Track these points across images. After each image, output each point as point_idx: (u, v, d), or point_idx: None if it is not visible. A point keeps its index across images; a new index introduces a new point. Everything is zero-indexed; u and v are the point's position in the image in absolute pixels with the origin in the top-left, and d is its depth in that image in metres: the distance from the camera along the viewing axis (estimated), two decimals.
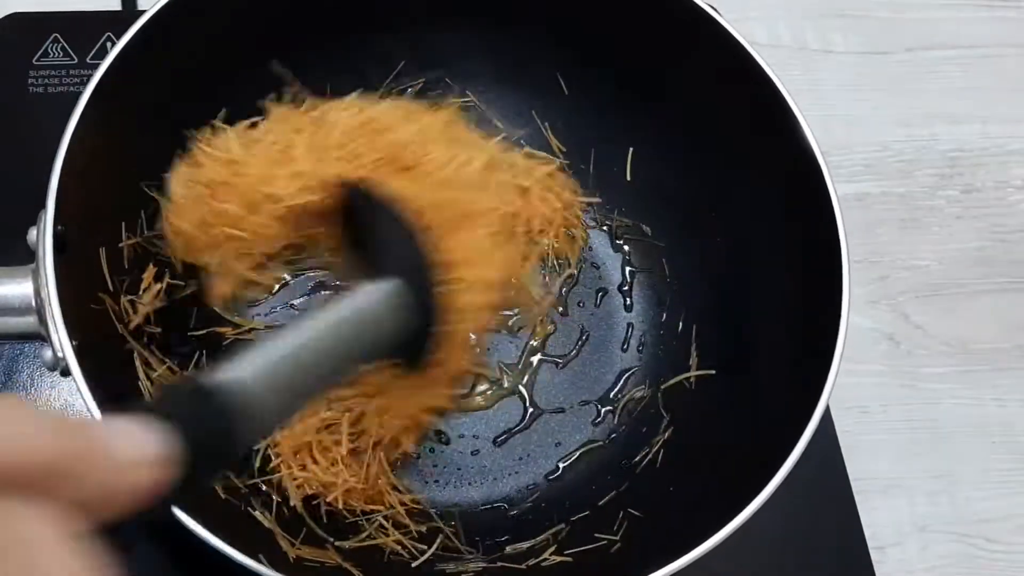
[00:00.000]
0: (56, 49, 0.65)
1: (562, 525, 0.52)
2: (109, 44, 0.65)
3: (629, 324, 0.60)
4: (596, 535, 0.51)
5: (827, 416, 0.59)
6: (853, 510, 0.58)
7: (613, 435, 0.57)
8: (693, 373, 0.57)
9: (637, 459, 0.55)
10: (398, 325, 0.40)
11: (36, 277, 0.44)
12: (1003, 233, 0.70)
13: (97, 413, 0.40)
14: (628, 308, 0.61)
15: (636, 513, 0.52)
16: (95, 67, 0.63)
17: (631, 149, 0.62)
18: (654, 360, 0.59)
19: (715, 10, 0.55)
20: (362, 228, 0.45)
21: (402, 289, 0.40)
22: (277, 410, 0.33)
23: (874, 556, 0.57)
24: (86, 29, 0.66)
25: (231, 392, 0.30)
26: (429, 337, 0.43)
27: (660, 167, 0.61)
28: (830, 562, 0.57)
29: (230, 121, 0.57)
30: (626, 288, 0.62)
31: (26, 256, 0.46)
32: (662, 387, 0.58)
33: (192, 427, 0.27)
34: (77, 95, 0.62)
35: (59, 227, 0.44)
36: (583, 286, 0.61)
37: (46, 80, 0.64)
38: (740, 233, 0.57)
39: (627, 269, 0.62)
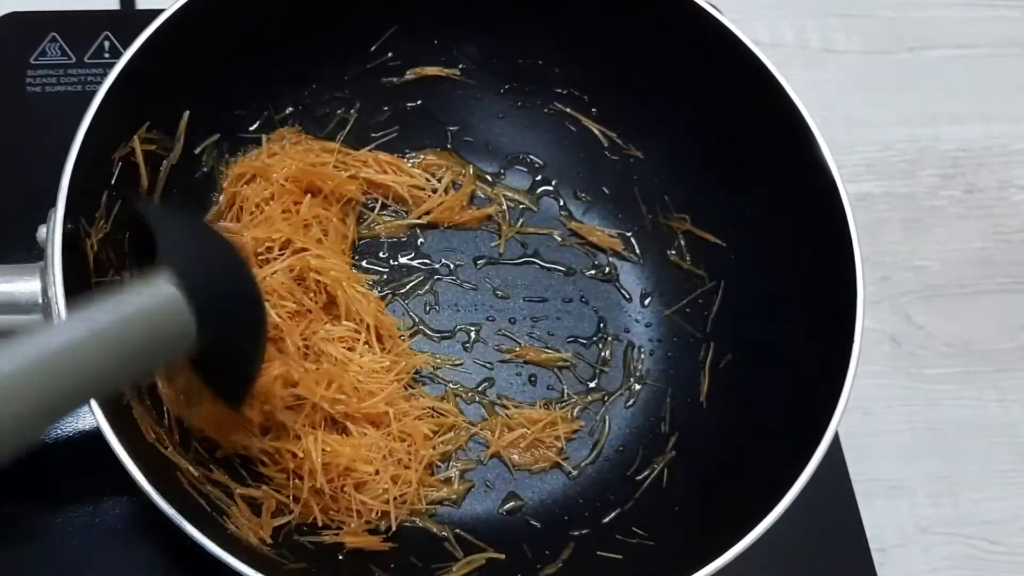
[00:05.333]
0: (54, 48, 0.64)
1: (565, 542, 0.52)
2: (107, 43, 0.65)
3: (637, 338, 0.60)
4: (599, 553, 0.51)
5: None
6: (855, 511, 0.58)
7: (618, 452, 0.56)
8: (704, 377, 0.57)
9: (642, 477, 0.54)
10: (175, 330, 0.33)
11: (44, 275, 0.44)
12: (1006, 233, 0.70)
13: (100, 414, 0.40)
14: (637, 321, 0.60)
15: (640, 532, 0.51)
16: (93, 67, 0.64)
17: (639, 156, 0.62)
18: (663, 377, 0.58)
19: (716, 9, 0.54)
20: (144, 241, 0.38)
21: (175, 282, 0.33)
22: (16, 423, 0.27)
23: (876, 558, 0.57)
24: (84, 28, 0.65)
25: None
26: (232, 355, 0.37)
27: (666, 174, 0.61)
28: (832, 564, 0.57)
29: (244, 120, 0.58)
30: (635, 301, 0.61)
31: (26, 254, 0.46)
32: (670, 404, 0.57)
33: None
34: (76, 95, 0.62)
35: (69, 225, 0.44)
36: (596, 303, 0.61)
37: (44, 80, 0.63)
38: (748, 240, 0.57)
39: (638, 284, 0.61)
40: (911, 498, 0.61)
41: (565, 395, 0.57)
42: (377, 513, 0.50)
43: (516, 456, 0.55)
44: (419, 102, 0.62)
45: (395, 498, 0.51)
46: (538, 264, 0.61)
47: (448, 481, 0.54)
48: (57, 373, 0.29)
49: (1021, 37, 0.77)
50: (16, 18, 0.65)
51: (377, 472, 0.51)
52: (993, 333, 0.66)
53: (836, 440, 0.59)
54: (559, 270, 0.61)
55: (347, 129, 0.61)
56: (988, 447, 0.63)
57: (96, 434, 0.40)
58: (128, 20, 0.66)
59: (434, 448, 0.53)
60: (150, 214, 0.38)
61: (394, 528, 0.51)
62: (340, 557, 0.49)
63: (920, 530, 0.60)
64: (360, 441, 0.51)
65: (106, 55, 0.64)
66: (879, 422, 0.63)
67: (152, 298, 0.33)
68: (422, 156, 0.62)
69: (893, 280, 0.67)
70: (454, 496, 0.53)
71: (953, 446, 0.62)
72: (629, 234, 0.62)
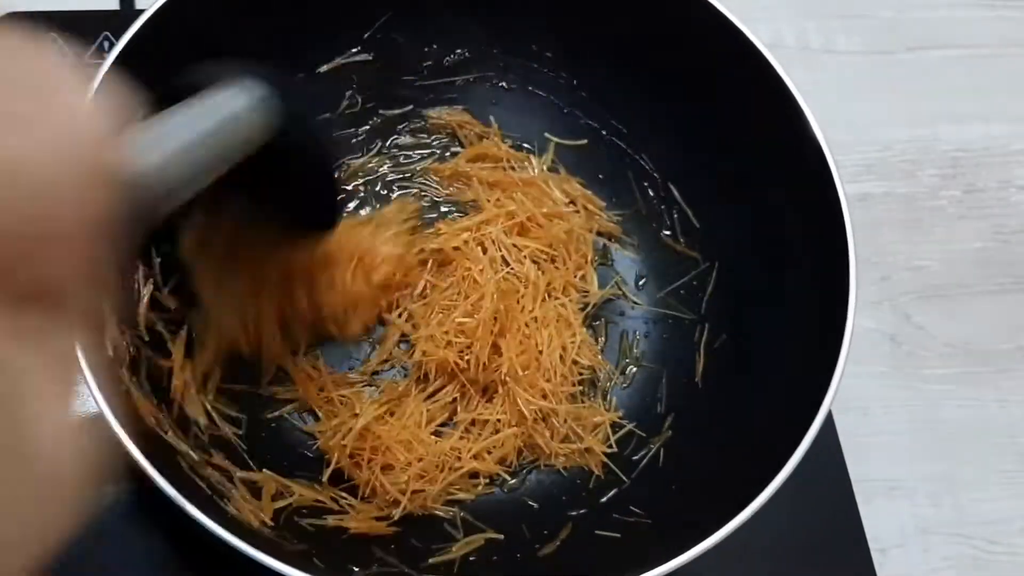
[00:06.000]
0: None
1: (563, 522, 0.52)
2: (107, 43, 0.65)
3: (632, 321, 0.60)
4: (597, 532, 0.51)
5: (828, 417, 0.58)
6: (855, 512, 0.58)
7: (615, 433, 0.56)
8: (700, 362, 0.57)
9: (638, 457, 0.55)
10: (263, 116, 0.39)
11: None
12: (1006, 234, 0.70)
13: (100, 398, 0.40)
14: (633, 307, 0.60)
15: (637, 511, 0.52)
16: (94, 67, 0.64)
17: (636, 146, 0.62)
18: (658, 358, 0.59)
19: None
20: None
21: (261, 85, 0.40)
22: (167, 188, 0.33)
23: (876, 558, 0.57)
24: (84, 29, 0.65)
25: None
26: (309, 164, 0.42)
27: (663, 164, 0.61)
28: (831, 564, 0.57)
29: None
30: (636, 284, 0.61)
31: None
32: (666, 385, 0.57)
33: None
34: None
35: None
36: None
37: None
38: (745, 233, 0.57)
39: (632, 266, 0.62)
40: (911, 498, 0.60)
41: None
42: (389, 498, 0.51)
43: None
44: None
45: (413, 491, 0.51)
46: None
47: (476, 485, 0.54)
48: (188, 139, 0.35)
49: (1021, 37, 0.77)
50: (16, 18, 0.65)
51: (409, 464, 0.51)
52: (993, 333, 0.66)
53: (836, 440, 0.60)
54: None
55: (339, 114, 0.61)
56: (988, 447, 0.63)
57: (96, 417, 0.40)
58: (128, 20, 0.65)
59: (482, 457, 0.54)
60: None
61: (396, 517, 0.51)
62: (342, 539, 0.49)
63: (920, 530, 0.60)
64: (413, 431, 0.52)
65: (106, 55, 0.64)
66: (879, 422, 0.62)
67: (245, 90, 0.39)
68: (445, 115, 0.63)
69: (893, 280, 0.67)
70: (473, 497, 0.53)
71: (953, 446, 0.62)
72: (620, 217, 0.62)
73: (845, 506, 0.58)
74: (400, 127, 0.63)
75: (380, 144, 0.62)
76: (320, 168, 0.46)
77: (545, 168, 0.62)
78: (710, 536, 0.42)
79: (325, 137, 0.46)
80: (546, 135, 0.63)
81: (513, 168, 0.62)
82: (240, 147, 0.39)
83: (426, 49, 0.62)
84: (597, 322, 0.60)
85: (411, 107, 0.63)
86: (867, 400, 0.63)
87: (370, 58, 0.61)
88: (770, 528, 0.53)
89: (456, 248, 0.58)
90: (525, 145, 0.63)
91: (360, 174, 0.61)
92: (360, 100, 0.62)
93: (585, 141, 0.63)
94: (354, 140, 0.62)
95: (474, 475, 0.54)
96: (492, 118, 0.63)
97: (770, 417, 0.50)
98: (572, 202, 0.62)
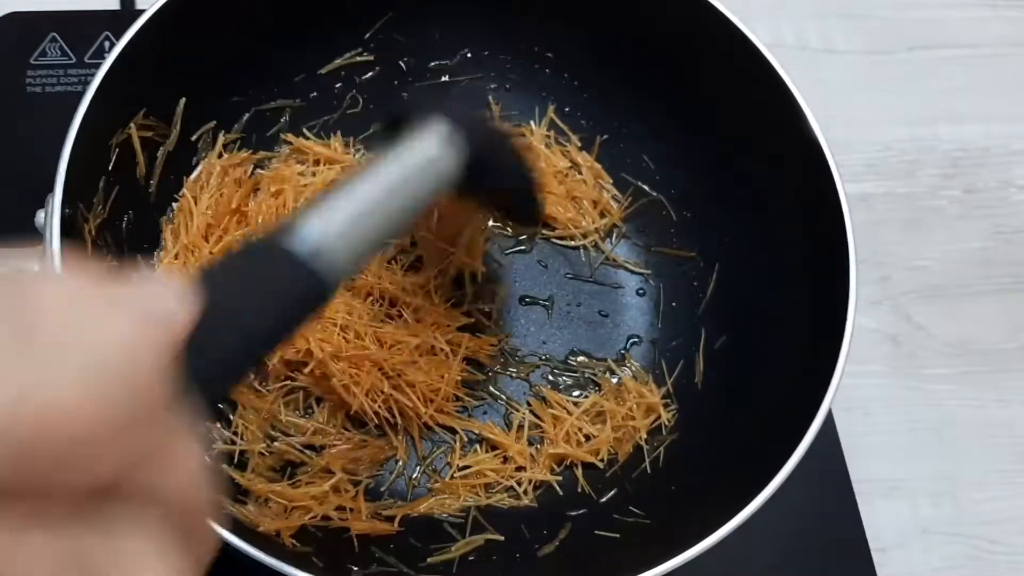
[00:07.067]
0: (54, 49, 0.65)
1: (562, 522, 0.52)
2: (107, 43, 0.65)
3: (632, 321, 0.60)
4: (596, 532, 0.51)
5: (829, 417, 0.59)
6: (855, 512, 0.58)
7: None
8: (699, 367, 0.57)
9: (638, 458, 0.55)
10: (452, 164, 0.41)
11: (43, 260, 0.45)
12: (1006, 233, 0.70)
13: None
14: (632, 309, 0.60)
15: (636, 511, 0.52)
16: (93, 67, 0.64)
17: (637, 147, 0.62)
18: (659, 359, 0.59)
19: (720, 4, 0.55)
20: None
21: (448, 127, 0.41)
22: (345, 264, 0.34)
23: (876, 558, 0.57)
24: (84, 28, 0.66)
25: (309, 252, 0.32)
26: (491, 169, 0.44)
27: (667, 166, 0.61)
28: (832, 564, 0.57)
29: (240, 107, 0.58)
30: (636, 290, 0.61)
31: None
32: (667, 385, 0.57)
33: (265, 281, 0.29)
34: (75, 95, 0.63)
35: (67, 210, 0.45)
36: (593, 286, 0.61)
37: (44, 80, 0.63)
38: (745, 233, 0.57)
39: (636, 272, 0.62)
40: (911, 498, 0.60)
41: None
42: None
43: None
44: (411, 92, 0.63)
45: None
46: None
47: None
48: (380, 213, 0.37)
49: (1021, 37, 0.77)
50: (16, 18, 0.65)
51: None
52: (993, 333, 0.66)
53: (836, 440, 0.60)
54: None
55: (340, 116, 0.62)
56: (988, 447, 0.63)
57: None
58: (128, 20, 0.66)
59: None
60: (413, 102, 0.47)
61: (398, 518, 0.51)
62: (343, 538, 0.50)
63: (920, 530, 0.60)
64: None
65: (106, 55, 0.64)
66: (879, 422, 0.62)
67: (438, 139, 0.41)
68: None
69: (893, 280, 0.67)
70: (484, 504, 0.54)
71: (953, 446, 0.62)
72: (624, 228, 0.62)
73: (845, 506, 0.58)
74: None
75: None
76: (516, 181, 0.48)
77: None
78: (710, 536, 0.42)
79: (513, 153, 0.47)
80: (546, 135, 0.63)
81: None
82: (432, 192, 0.41)
83: (428, 50, 0.62)
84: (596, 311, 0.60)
85: None
86: (867, 400, 0.63)
87: (371, 59, 0.61)
88: (770, 528, 0.53)
89: None
90: None
91: None
92: (361, 101, 0.62)
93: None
94: (355, 141, 0.62)
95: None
96: (490, 98, 0.63)
97: (770, 417, 0.50)
98: (575, 167, 0.62)
